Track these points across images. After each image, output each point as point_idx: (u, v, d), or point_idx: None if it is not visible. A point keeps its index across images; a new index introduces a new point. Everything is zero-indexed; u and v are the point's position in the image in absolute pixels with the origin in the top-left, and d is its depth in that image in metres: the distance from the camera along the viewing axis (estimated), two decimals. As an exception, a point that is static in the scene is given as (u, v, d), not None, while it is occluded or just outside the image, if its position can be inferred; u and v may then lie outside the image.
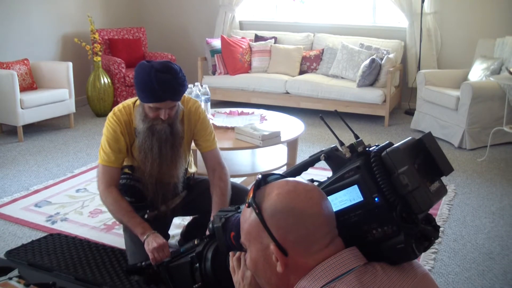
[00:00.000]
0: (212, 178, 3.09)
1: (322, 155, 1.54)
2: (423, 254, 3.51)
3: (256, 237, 1.34)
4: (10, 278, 3.00)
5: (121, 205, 2.88)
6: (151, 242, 2.71)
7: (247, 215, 1.37)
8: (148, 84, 2.67)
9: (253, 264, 1.38)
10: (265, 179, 1.41)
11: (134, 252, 2.98)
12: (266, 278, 1.36)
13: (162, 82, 2.66)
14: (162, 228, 3.07)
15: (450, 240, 3.77)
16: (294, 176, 1.54)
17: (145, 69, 2.70)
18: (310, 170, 1.65)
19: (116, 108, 2.98)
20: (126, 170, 3.05)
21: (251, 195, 1.36)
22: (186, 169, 3.21)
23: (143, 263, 2.70)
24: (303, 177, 1.47)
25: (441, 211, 4.20)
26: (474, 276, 3.30)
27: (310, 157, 1.60)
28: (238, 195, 3.13)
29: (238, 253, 1.53)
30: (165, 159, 2.90)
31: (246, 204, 1.38)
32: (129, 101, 3.00)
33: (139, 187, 3.03)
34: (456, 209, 4.29)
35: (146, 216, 3.02)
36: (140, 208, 2.99)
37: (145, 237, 2.76)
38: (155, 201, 3.02)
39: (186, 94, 3.12)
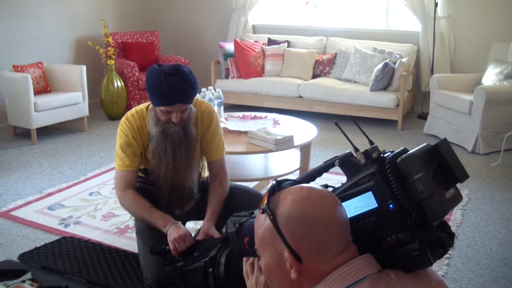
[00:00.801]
0: (213, 181, 3.12)
1: (337, 160, 1.53)
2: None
3: (270, 243, 1.33)
4: (23, 281, 3.02)
5: (138, 203, 2.91)
6: (172, 232, 2.73)
7: (261, 221, 1.36)
8: (158, 88, 2.69)
9: (266, 270, 1.38)
10: (279, 185, 1.40)
11: (147, 255, 2.98)
12: (279, 284, 1.36)
13: (172, 85, 2.67)
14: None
15: (463, 246, 3.75)
16: (309, 181, 1.53)
17: (155, 73, 2.72)
18: (325, 175, 1.64)
19: (128, 113, 2.99)
20: (140, 174, 3.06)
21: (265, 201, 1.36)
22: (200, 173, 3.21)
23: (167, 247, 2.72)
24: (318, 182, 1.47)
25: (454, 216, 4.18)
26: (487, 282, 3.28)
27: (324, 162, 1.60)
28: (250, 200, 3.13)
29: (252, 258, 1.53)
30: (179, 162, 2.91)
31: (260, 210, 1.37)
32: (143, 105, 3.02)
33: (153, 190, 3.04)
34: (469, 214, 4.27)
35: None
36: None
37: (167, 228, 2.78)
38: (170, 204, 3.03)
39: (199, 98, 3.12)
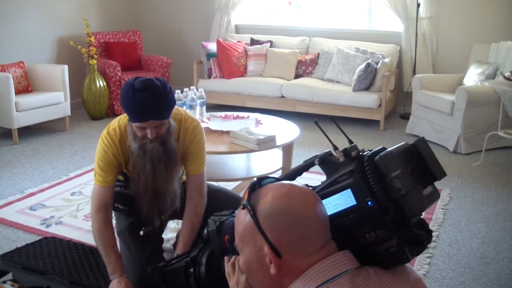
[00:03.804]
0: (188, 206, 2.97)
1: (316, 159, 1.55)
2: (417, 258, 3.51)
3: (250, 239, 1.35)
4: (4, 282, 3.00)
5: (102, 236, 2.80)
6: (116, 286, 2.68)
7: (242, 217, 1.38)
8: (129, 104, 2.56)
9: (246, 266, 1.39)
10: (260, 182, 1.42)
11: (128, 256, 2.98)
12: (259, 280, 1.37)
13: (141, 102, 2.53)
14: (157, 231, 3.05)
15: (445, 245, 3.78)
16: (289, 180, 1.54)
17: (126, 88, 2.59)
18: (305, 174, 1.65)
19: (110, 126, 2.85)
20: (120, 177, 2.98)
21: (246, 197, 1.37)
22: (181, 177, 3.16)
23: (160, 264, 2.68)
24: (299, 181, 1.48)
25: (436, 216, 4.21)
26: (468, 280, 3.31)
27: (304, 162, 1.61)
28: (230, 204, 3.11)
29: (233, 258, 1.54)
30: (159, 178, 2.79)
31: (241, 206, 1.39)
32: (125, 117, 2.86)
33: (133, 195, 2.98)
34: (451, 213, 4.30)
35: (141, 233, 3.00)
36: (134, 215, 2.96)
37: (111, 278, 2.71)
38: (150, 217, 2.92)
39: (184, 111, 3.00)
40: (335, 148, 1.51)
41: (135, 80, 2.59)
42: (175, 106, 2.86)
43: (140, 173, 2.78)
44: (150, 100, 2.54)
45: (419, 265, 3.45)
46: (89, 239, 3.77)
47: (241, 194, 3.52)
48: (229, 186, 4.62)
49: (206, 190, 3.03)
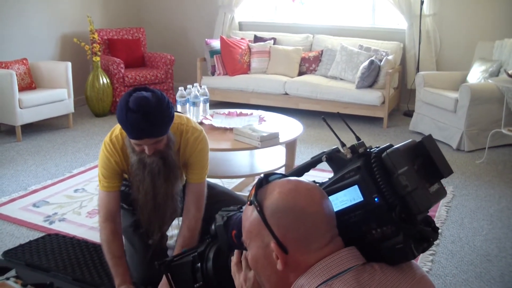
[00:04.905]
0: (184, 219, 2.91)
1: (324, 156, 1.55)
2: (421, 255, 3.51)
3: (257, 235, 1.36)
4: (8, 278, 3.00)
5: (110, 247, 2.77)
6: None
7: (249, 213, 1.39)
8: (123, 123, 2.52)
9: (254, 262, 1.40)
10: (267, 178, 1.43)
11: (132, 254, 2.98)
12: (266, 276, 1.38)
13: (134, 123, 2.47)
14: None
15: (448, 242, 3.77)
16: (296, 177, 1.55)
17: (121, 105, 2.51)
18: (312, 172, 1.65)
19: (113, 133, 2.81)
20: (126, 176, 2.94)
21: (253, 193, 1.38)
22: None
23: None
24: (307, 178, 1.49)
25: (439, 213, 4.21)
26: (471, 278, 3.31)
27: (312, 158, 1.61)
28: (227, 203, 3.08)
29: (237, 258, 1.54)
30: (159, 191, 2.75)
31: (248, 202, 1.39)
32: None
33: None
34: (454, 211, 4.30)
35: (150, 242, 2.94)
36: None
37: None
38: (151, 230, 2.89)
39: (190, 121, 2.93)
40: (343, 144, 1.51)
41: (130, 96, 2.50)
42: (178, 114, 2.84)
43: (139, 186, 2.74)
44: (142, 121, 2.46)
45: (422, 262, 3.45)
46: (92, 236, 3.78)
47: (245, 192, 3.53)
48: (232, 183, 4.63)
49: (204, 202, 2.96)
